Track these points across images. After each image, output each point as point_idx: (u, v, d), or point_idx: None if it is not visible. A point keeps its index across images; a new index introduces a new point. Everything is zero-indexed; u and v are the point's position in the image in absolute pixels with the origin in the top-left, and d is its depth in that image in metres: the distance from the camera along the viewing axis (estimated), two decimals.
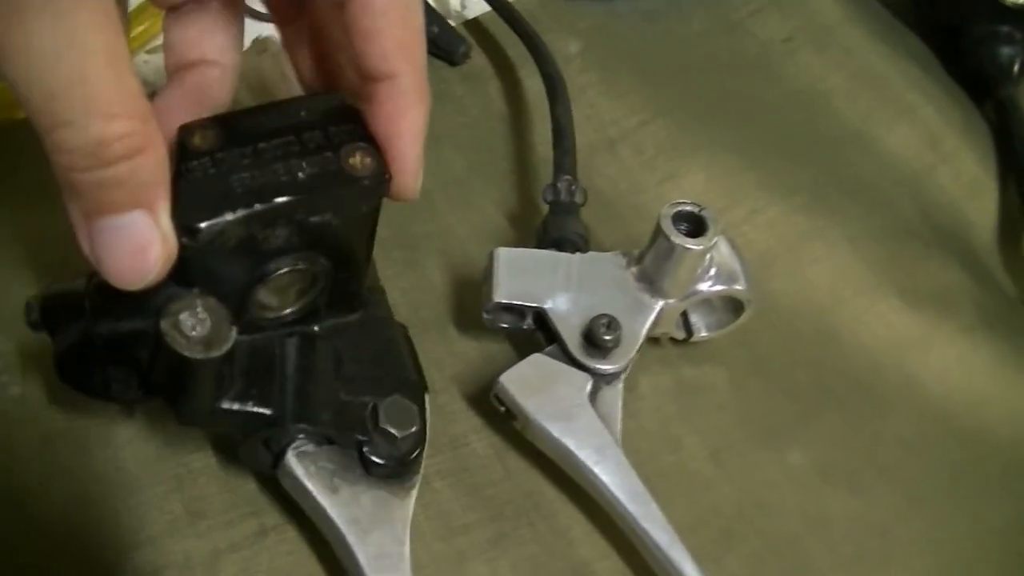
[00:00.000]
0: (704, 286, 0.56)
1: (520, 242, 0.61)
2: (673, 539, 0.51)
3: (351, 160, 0.43)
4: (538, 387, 0.53)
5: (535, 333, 0.56)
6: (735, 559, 0.55)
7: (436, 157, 0.67)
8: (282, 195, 0.42)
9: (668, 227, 0.53)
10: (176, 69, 0.46)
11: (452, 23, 0.75)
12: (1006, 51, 0.81)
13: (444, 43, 0.73)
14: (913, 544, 0.57)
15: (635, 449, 0.54)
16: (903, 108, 0.78)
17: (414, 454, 0.49)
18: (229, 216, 0.41)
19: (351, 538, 0.47)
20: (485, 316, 0.56)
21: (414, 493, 0.50)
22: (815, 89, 0.79)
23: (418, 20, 0.44)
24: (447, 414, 0.57)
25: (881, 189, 0.74)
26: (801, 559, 0.56)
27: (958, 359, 0.66)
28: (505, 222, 0.66)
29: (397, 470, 0.49)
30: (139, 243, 0.39)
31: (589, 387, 0.54)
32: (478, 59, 0.75)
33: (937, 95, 0.80)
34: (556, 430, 0.52)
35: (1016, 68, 0.81)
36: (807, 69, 0.80)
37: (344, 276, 0.48)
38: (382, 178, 0.44)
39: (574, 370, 0.54)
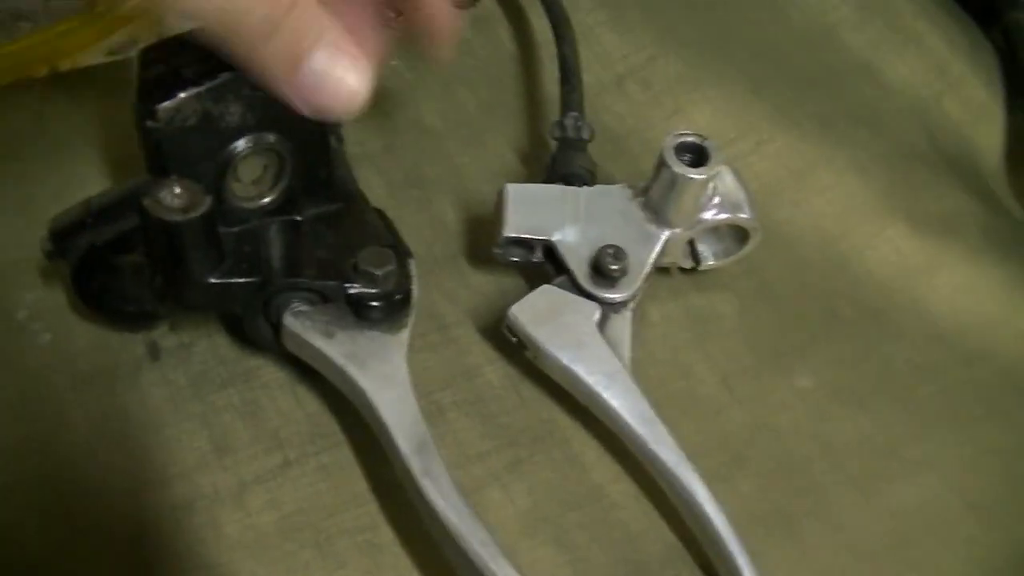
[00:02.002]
0: (709, 215, 0.57)
1: (531, 179, 0.62)
2: (681, 459, 0.52)
3: None
4: (548, 317, 0.54)
5: (545, 266, 0.58)
6: (745, 480, 0.56)
7: (448, 99, 0.69)
8: (225, 71, 0.45)
9: (670, 157, 0.54)
10: None
11: None
12: None
13: None
14: (919, 464, 0.58)
15: (646, 376, 0.55)
16: (910, 36, 0.79)
17: (397, 295, 0.52)
18: (182, 94, 0.45)
19: (351, 369, 0.51)
20: (496, 251, 0.57)
21: (406, 334, 0.52)
22: (822, 21, 0.79)
23: None
24: (462, 346, 0.58)
25: (888, 117, 0.74)
26: (810, 479, 0.57)
27: (966, 282, 0.66)
28: (516, 161, 0.67)
29: (384, 311, 0.52)
30: (339, 71, 0.45)
31: (598, 316, 0.55)
32: (488, 3, 0.76)
33: (944, 22, 0.81)
34: (566, 358, 0.53)
35: None
36: (814, 1, 0.80)
37: (311, 161, 0.51)
38: None
39: (583, 299, 0.55)
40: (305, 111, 0.45)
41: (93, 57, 0.68)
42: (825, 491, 0.57)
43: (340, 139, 0.57)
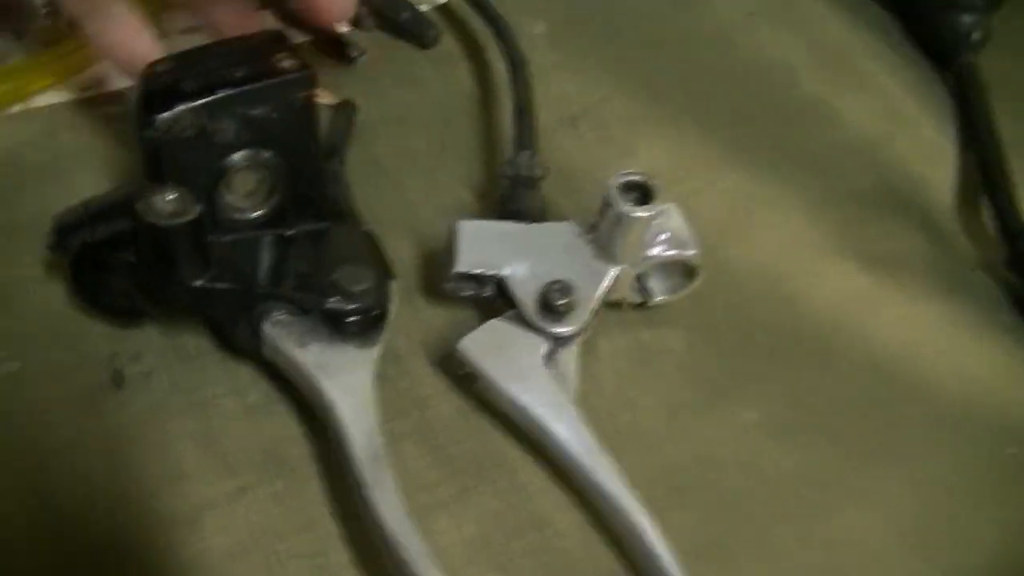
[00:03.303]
0: (655, 251, 0.59)
1: (484, 215, 0.63)
2: (625, 490, 0.53)
3: (278, 64, 0.52)
4: (496, 350, 0.56)
5: (497, 300, 0.59)
6: (686, 513, 0.57)
7: (404, 138, 0.70)
8: (223, 89, 0.50)
9: (614, 196, 0.56)
10: None
11: (423, 8, 0.78)
12: (966, 19, 0.82)
13: (415, 27, 0.75)
14: (854, 498, 0.59)
15: (593, 409, 0.56)
16: (863, 78, 0.81)
17: (372, 313, 0.55)
18: (180, 107, 0.49)
19: (319, 377, 0.53)
20: (447, 285, 0.59)
21: (377, 350, 0.55)
22: (776, 62, 0.81)
23: None
24: (414, 378, 0.59)
25: (839, 158, 0.76)
26: (749, 512, 0.58)
27: (910, 320, 0.67)
28: (471, 197, 0.68)
29: (359, 327, 0.54)
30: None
31: (545, 349, 0.56)
32: (448, 43, 0.77)
33: (897, 64, 0.83)
34: (513, 390, 0.55)
35: (976, 35, 0.82)
36: (768, 42, 0.82)
37: (302, 180, 0.55)
38: (305, 72, 0.52)
39: (531, 333, 0.56)
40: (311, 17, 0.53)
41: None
42: (763, 524, 0.57)
43: (342, 162, 0.62)
